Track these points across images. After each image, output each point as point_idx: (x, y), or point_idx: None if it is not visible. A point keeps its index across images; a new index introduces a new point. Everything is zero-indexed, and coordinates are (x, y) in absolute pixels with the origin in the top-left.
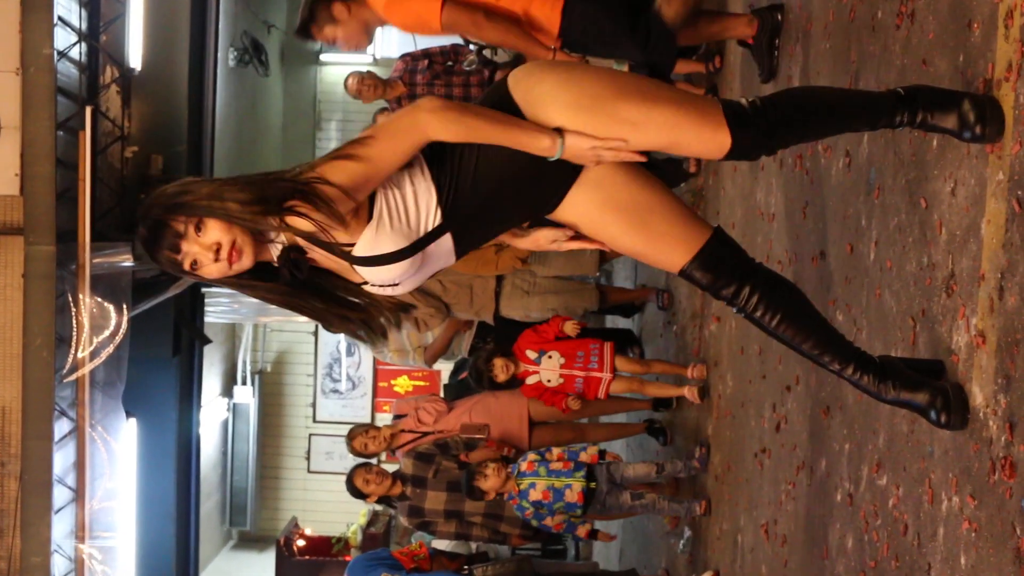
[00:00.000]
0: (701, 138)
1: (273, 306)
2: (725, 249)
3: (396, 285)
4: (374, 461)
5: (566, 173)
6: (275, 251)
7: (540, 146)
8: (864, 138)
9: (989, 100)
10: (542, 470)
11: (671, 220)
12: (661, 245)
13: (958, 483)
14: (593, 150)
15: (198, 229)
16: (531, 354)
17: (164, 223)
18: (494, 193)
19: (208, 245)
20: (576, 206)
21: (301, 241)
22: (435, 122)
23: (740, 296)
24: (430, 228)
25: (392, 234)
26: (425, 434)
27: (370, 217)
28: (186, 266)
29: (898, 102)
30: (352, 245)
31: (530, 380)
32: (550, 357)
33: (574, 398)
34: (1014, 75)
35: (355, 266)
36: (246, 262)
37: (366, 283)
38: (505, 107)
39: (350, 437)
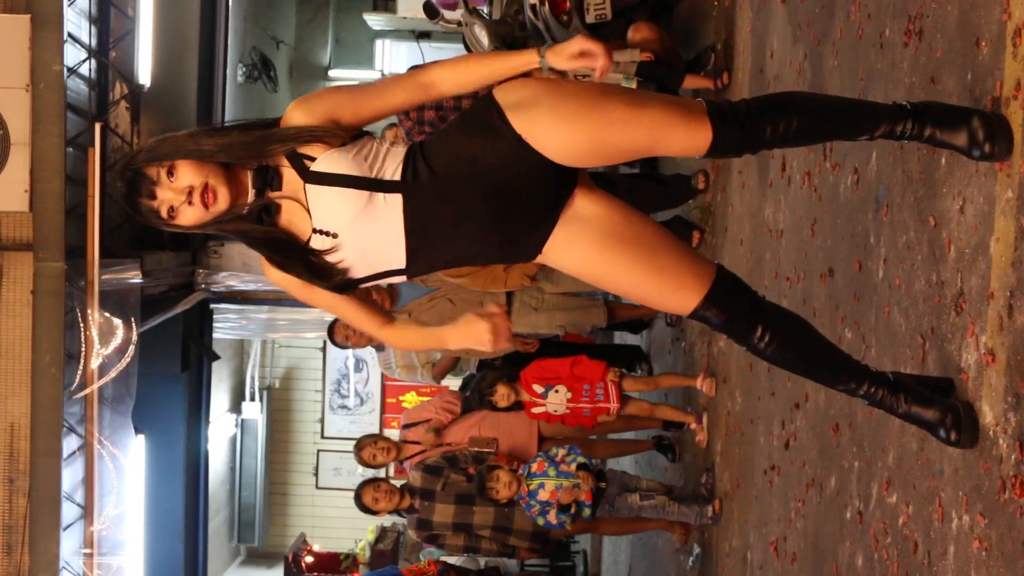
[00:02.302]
0: (686, 134)
1: (282, 322)
2: (732, 285)
3: (335, 236)
4: (382, 474)
5: (546, 203)
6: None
7: (527, 60)
8: (872, 155)
9: (998, 118)
10: (552, 471)
11: (677, 256)
12: (670, 282)
13: (968, 501)
14: (572, 59)
15: (170, 174)
16: (537, 388)
17: (139, 172)
18: (458, 188)
19: (181, 189)
20: (571, 244)
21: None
22: (437, 71)
23: (753, 336)
24: (385, 178)
25: (351, 161)
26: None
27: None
28: (163, 213)
29: (901, 113)
30: (314, 160)
31: (536, 410)
32: (556, 391)
33: (608, 415)
34: (1022, 93)
35: (306, 186)
36: (222, 203)
37: (310, 239)
38: (487, 114)
39: (359, 447)
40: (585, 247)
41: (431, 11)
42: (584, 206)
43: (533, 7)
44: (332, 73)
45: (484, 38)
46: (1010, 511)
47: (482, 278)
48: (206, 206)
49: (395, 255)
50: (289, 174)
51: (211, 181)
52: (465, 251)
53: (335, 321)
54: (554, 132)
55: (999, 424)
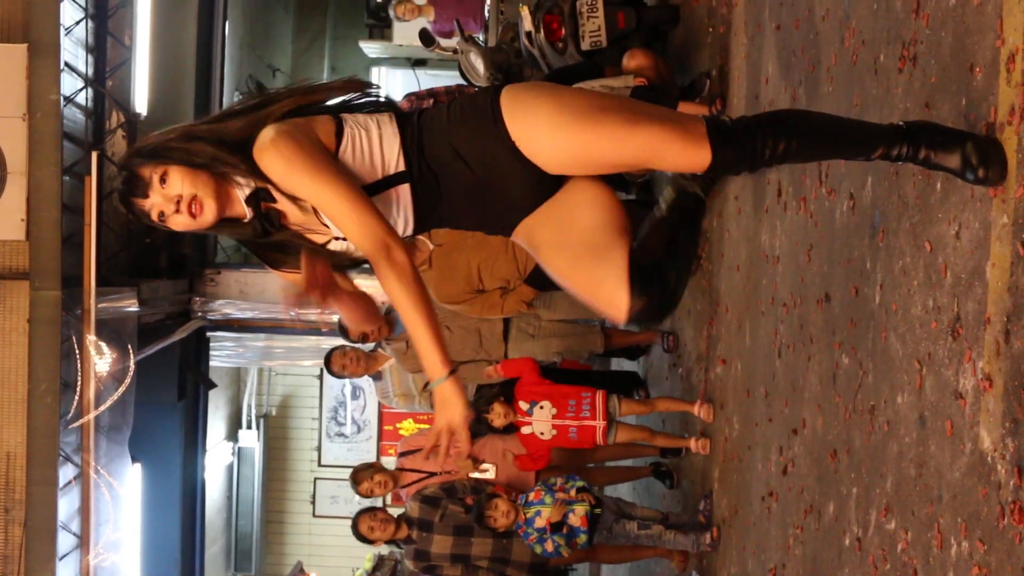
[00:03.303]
0: (683, 152)
1: (278, 350)
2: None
3: None
4: (379, 503)
5: (527, 204)
6: (243, 197)
7: (428, 364)
8: (868, 181)
9: (992, 142)
10: (548, 498)
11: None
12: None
13: (967, 528)
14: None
15: (163, 181)
16: (523, 405)
17: (135, 173)
18: (455, 166)
19: (170, 197)
20: (526, 230)
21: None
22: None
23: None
24: (391, 173)
25: (356, 170)
26: (431, 474)
27: (335, 153)
28: (154, 217)
29: (897, 135)
30: None
31: (524, 430)
32: (541, 407)
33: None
34: (1017, 119)
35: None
36: (208, 216)
37: (329, 241)
38: (486, 113)
39: (356, 481)
40: (537, 235)
41: (427, 39)
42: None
43: (529, 34)
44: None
45: (480, 65)
46: (1009, 537)
47: (479, 305)
48: (192, 216)
49: (405, 227)
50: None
51: (200, 193)
52: (456, 216)
53: (332, 351)
54: (547, 143)
55: (997, 450)
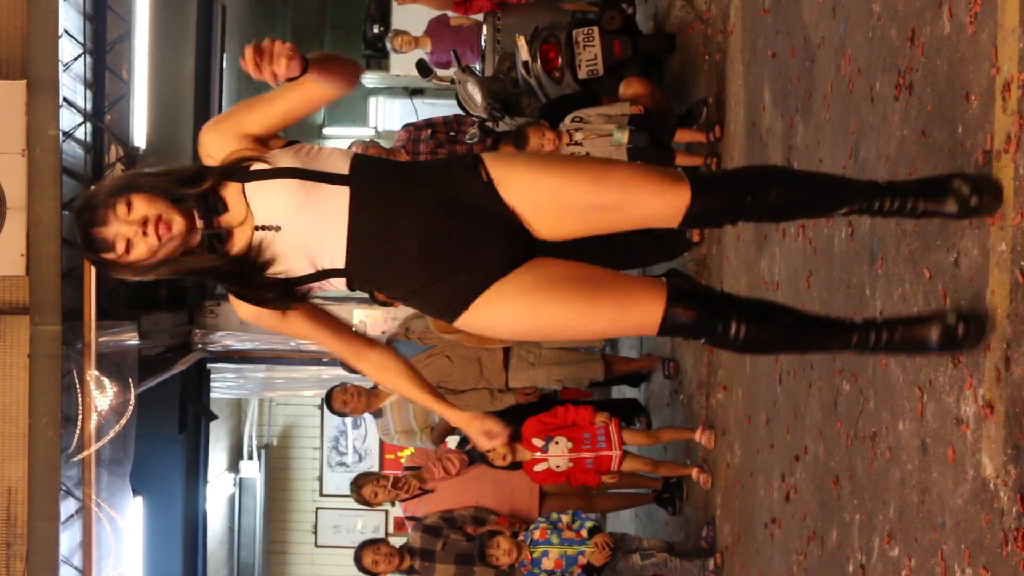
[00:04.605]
0: (661, 189)
1: (279, 380)
2: (686, 284)
3: (278, 229)
4: (382, 533)
5: (490, 252)
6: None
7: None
8: None
9: (979, 177)
10: (555, 538)
11: (622, 280)
12: (623, 304)
13: (971, 555)
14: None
15: (129, 209)
16: (537, 442)
17: (96, 206)
18: (411, 199)
19: (136, 220)
20: (502, 297)
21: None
22: None
23: (729, 326)
24: (329, 171)
25: (292, 157)
26: (426, 491)
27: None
28: (119, 247)
29: (877, 189)
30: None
31: (538, 468)
32: (557, 443)
33: (611, 474)
34: (1013, 146)
35: (245, 187)
36: (176, 229)
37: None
38: (465, 158)
39: (357, 485)
40: (516, 296)
41: (424, 69)
42: (524, 271)
43: (525, 64)
44: (326, 131)
45: (477, 95)
46: (1013, 564)
47: (478, 335)
48: (159, 237)
49: (335, 249)
50: (230, 189)
51: (164, 214)
52: (395, 272)
53: (333, 388)
54: (525, 179)
55: (999, 476)
